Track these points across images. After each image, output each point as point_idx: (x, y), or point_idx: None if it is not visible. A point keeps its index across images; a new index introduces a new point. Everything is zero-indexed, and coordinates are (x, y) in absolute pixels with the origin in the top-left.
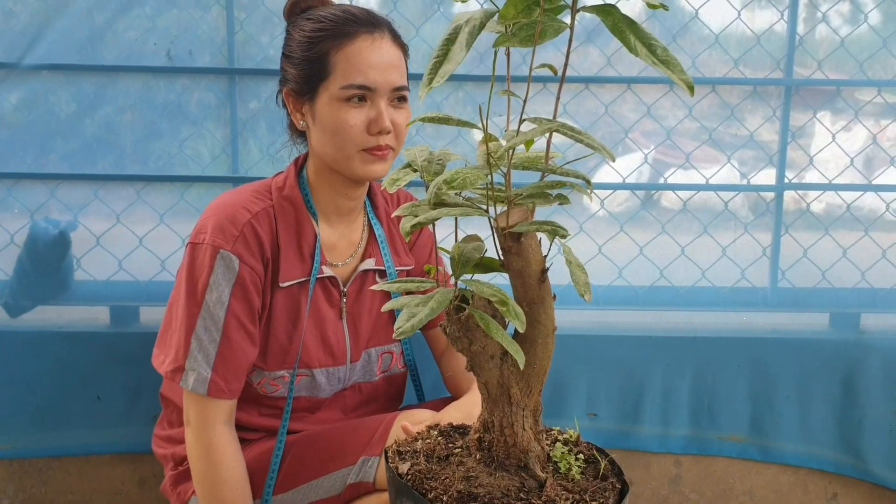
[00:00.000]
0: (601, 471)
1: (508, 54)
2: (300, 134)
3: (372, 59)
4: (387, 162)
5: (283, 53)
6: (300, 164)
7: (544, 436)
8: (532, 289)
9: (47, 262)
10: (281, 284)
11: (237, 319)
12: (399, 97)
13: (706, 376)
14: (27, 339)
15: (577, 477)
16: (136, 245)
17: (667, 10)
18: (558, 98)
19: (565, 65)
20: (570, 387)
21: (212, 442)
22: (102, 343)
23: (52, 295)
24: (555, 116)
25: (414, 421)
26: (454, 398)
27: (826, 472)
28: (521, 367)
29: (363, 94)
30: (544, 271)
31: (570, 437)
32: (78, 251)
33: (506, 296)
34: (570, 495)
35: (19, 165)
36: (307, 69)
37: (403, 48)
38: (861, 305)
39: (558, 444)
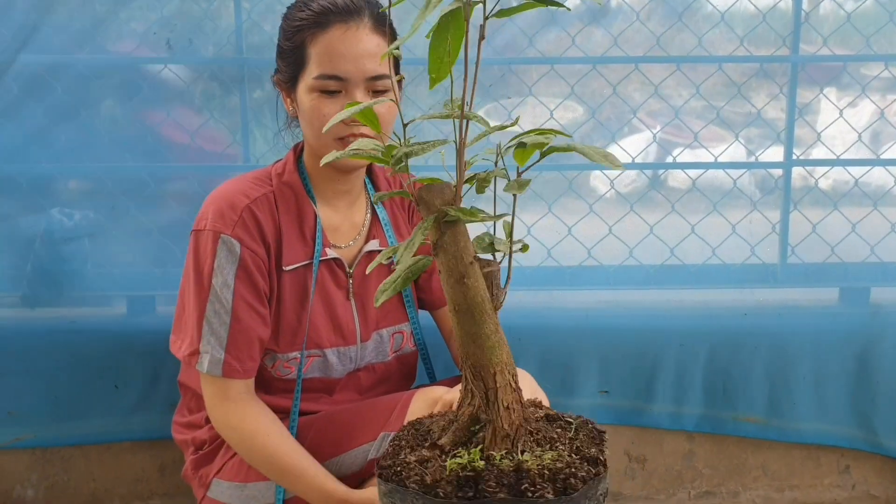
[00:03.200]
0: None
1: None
2: (296, 119)
3: (343, 48)
4: None
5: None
6: (299, 151)
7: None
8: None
9: (63, 254)
10: (285, 268)
11: (244, 301)
12: (378, 88)
13: (718, 353)
14: (45, 331)
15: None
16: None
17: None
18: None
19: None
20: (582, 365)
21: (239, 417)
22: (119, 332)
23: (68, 287)
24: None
25: (430, 397)
26: None
27: (838, 446)
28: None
29: (337, 86)
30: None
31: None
32: (93, 242)
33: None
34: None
35: (32, 159)
36: (289, 59)
37: (387, 35)
38: (871, 279)
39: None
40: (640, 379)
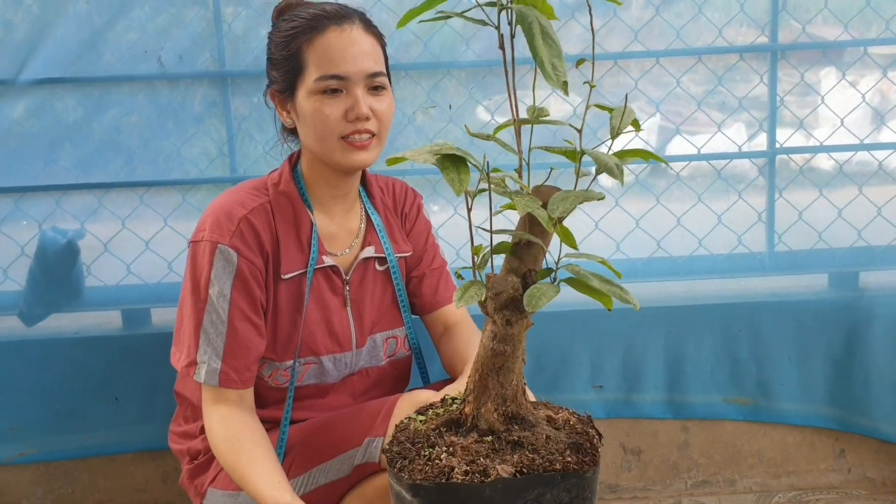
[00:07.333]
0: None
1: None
2: (290, 132)
3: (342, 48)
4: (369, 151)
5: (266, 57)
6: (294, 160)
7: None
8: None
9: (58, 271)
10: (283, 276)
11: (241, 311)
12: (376, 84)
13: (708, 343)
14: (44, 347)
15: None
16: (142, 249)
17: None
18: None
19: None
20: (574, 360)
21: (219, 420)
22: (117, 346)
23: (64, 302)
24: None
25: (415, 401)
26: (452, 379)
27: (833, 430)
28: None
29: (338, 85)
30: None
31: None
32: (87, 258)
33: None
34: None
35: (24, 178)
36: (285, 67)
37: (377, 36)
38: (859, 264)
39: None
40: (631, 370)
